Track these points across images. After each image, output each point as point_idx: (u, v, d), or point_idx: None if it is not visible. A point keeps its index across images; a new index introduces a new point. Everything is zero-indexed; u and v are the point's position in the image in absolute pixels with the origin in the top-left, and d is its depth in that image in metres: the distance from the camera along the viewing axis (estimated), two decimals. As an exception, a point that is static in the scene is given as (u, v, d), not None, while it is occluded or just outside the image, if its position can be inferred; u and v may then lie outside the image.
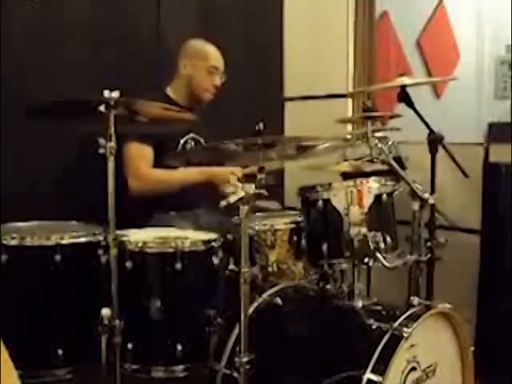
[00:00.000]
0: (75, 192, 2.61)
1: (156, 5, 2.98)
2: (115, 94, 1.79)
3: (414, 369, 1.85)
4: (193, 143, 2.65)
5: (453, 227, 2.59)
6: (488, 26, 4.82)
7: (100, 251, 1.93)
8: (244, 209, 1.73)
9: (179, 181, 2.52)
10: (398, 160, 2.25)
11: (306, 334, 1.97)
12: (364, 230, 1.95)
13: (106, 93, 1.79)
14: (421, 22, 4.46)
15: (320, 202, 2.03)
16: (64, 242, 1.88)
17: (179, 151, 2.56)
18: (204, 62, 2.67)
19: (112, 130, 1.80)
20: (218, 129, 2.61)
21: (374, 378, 1.70)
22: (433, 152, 2.36)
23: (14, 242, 1.86)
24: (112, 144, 1.79)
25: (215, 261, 1.97)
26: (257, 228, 2.14)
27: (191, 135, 2.65)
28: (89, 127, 1.90)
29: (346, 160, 2.44)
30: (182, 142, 2.62)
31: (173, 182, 2.52)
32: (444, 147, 2.37)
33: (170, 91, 2.71)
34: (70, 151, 2.61)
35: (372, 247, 1.92)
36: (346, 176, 2.49)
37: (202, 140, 2.68)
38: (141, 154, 2.50)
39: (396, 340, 1.75)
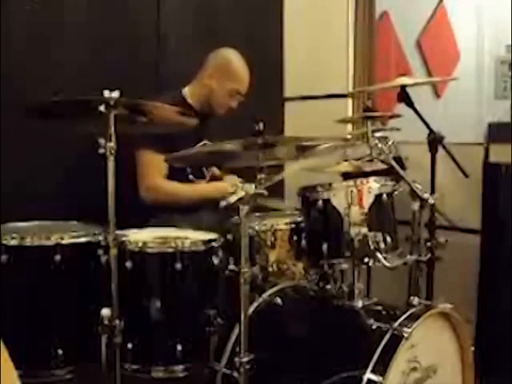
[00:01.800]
0: (75, 192, 2.60)
1: (156, 5, 2.97)
2: (115, 94, 1.79)
3: (414, 369, 1.85)
4: None
5: (453, 227, 2.59)
6: (488, 25, 4.82)
7: (100, 251, 1.92)
8: (244, 209, 1.73)
9: (190, 195, 2.54)
10: (398, 160, 2.25)
11: (306, 334, 1.97)
12: (364, 229, 1.95)
13: (106, 93, 1.78)
14: (421, 22, 4.46)
15: (320, 202, 2.03)
16: (64, 242, 1.88)
17: (180, 152, 2.55)
18: (231, 84, 2.61)
19: (112, 129, 1.80)
20: (218, 129, 2.61)
21: (374, 378, 1.70)
22: (433, 152, 2.37)
23: (13, 242, 1.85)
24: (112, 144, 1.79)
25: (215, 261, 1.97)
26: (257, 228, 2.14)
27: (204, 142, 2.62)
28: (89, 127, 1.90)
29: (346, 160, 2.44)
30: None
31: (184, 196, 2.53)
32: (444, 147, 2.37)
33: (187, 93, 2.67)
34: (70, 151, 2.61)
35: (372, 247, 1.92)
36: (346, 176, 2.49)
37: (205, 142, 2.66)
38: (153, 164, 2.47)
39: (396, 340, 1.75)
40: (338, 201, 2.00)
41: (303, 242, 2.14)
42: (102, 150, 1.79)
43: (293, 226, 2.20)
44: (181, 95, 2.66)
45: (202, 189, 2.56)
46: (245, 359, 1.73)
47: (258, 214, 2.28)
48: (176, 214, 2.54)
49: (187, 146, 2.54)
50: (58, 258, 1.86)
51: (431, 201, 2.06)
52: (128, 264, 1.89)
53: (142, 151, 2.49)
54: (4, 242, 1.85)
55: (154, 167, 2.48)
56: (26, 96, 2.40)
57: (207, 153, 2.21)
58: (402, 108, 2.40)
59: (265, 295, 2.04)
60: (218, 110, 2.67)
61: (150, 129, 2.12)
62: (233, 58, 2.65)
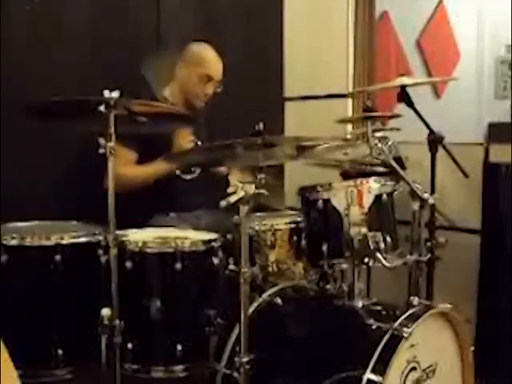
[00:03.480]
0: (75, 192, 2.60)
1: (156, 5, 2.97)
2: (115, 94, 1.79)
3: (413, 369, 1.84)
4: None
5: (453, 227, 2.59)
6: (488, 25, 4.83)
7: (100, 251, 1.92)
8: (244, 209, 1.73)
9: (152, 174, 2.47)
10: (398, 160, 2.25)
11: (306, 334, 1.97)
12: (364, 229, 1.95)
13: (106, 93, 1.79)
14: (421, 22, 4.46)
15: (320, 202, 2.03)
16: (64, 242, 1.88)
17: (178, 152, 2.55)
18: (198, 69, 2.61)
19: (112, 130, 1.80)
20: (218, 129, 2.61)
21: (373, 378, 1.70)
22: (433, 152, 2.37)
23: (14, 242, 1.86)
24: (112, 144, 1.79)
25: (215, 261, 1.97)
26: (257, 228, 2.14)
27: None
28: (89, 127, 1.90)
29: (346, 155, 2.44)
30: None
31: (146, 176, 2.47)
32: (444, 147, 2.37)
33: (167, 93, 2.69)
34: (70, 151, 2.61)
35: (372, 247, 1.92)
36: (346, 176, 2.49)
37: (199, 142, 2.65)
38: (119, 157, 2.45)
39: (396, 340, 1.75)
40: (338, 201, 1.99)
41: (303, 242, 2.13)
42: (102, 150, 1.80)
43: (293, 225, 2.20)
44: (163, 96, 2.67)
45: (161, 164, 2.45)
46: (245, 359, 1.73)
47: (258, 213, 2.28)
48: (176, 215, 2.54)
49: (164, 139, 2.52)
50: (58, 257, 1.86)
51: (431, 201, 2.05)
52: (128, 264, 1.89)
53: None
54: (4, 242, 1.85)
55: (119, 159, 2.46)
56: (26, 96, 2.40)
57: (206, 152, 2.21)
58: (402, 108, 2.40)
59: (265, 295, 2.04)
60: (194, 101, 2.65)
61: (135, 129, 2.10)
62: (200, 46, 2.67)
